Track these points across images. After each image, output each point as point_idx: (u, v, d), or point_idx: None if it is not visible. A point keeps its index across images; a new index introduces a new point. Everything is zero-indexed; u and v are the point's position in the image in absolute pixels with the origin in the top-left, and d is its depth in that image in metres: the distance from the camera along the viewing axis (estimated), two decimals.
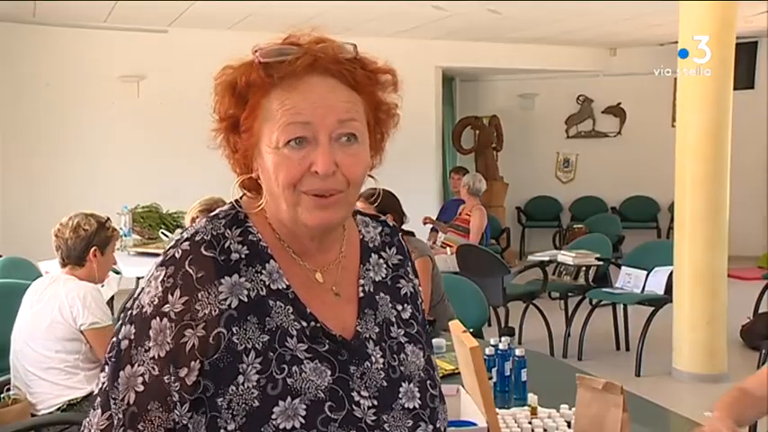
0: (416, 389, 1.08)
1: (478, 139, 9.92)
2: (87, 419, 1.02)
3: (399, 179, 7.02)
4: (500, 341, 2.39)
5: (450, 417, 1.83)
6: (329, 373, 1.01)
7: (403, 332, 1.11)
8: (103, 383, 1.01)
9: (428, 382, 1.10)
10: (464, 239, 6.44)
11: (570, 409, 2.02)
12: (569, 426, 1.98)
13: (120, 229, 5.49)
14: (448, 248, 6.32)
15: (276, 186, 1.01)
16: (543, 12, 7.35)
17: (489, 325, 5.26)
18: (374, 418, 1.02)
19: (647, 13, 7.37)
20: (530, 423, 2.01)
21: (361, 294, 1.10)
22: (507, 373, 2.33)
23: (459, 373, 2.07)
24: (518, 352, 2.33)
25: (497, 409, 1.87)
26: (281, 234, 1.06)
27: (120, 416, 0.98)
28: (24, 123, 7.39)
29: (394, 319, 1.12)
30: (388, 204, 3.49)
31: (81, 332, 2.75)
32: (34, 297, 2.86)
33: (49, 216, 7.56)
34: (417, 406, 1.06)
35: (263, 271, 1.03)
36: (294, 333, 1.01)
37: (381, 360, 1.06)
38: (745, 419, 1.90)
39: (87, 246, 2.88)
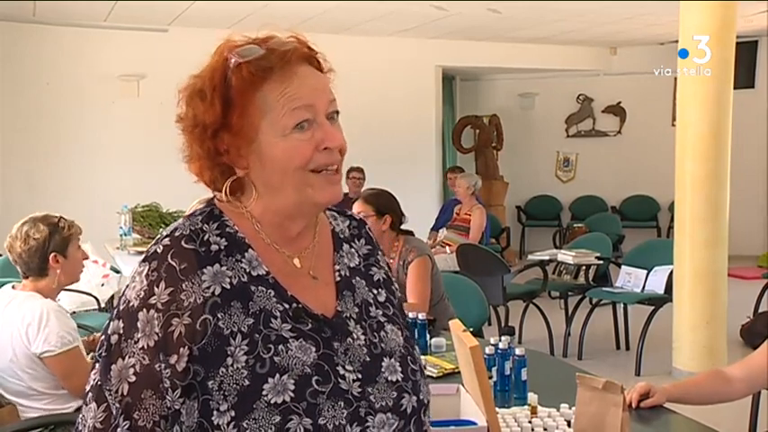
0: (398, 363, 1.13)
1: (478, 138, 9.92)
2: (81, 416, 1.05)
3: (399, 178, 7.08)
4: (500, 340, 2.39)
5: (451, 416, 1.84)
6: (314, 349, 1.06)
7: (381, 312, 1.18)
8: (95, 380, 1.04)
9: (408, 357, 1.16)
10: (464, 239, 6.45)
11: (570, 408, 2.02)
12: (569, 425, 1.99)
13: (120, 228, 5.52)
14: (448, 247, 6.32)
15: (283, 172, 1.07)
16: (543, 11, 7.35)
17: (489, 324, 5.26)
18: (359, 389, 1.07)
19: (647, 12, 7.37)
20: (530, 422, 2.01)
21: (338, 278, 1.17)
22: (507, 373, 2.33)
23: (459, 372, 2.08)
24: (518, 351, 2.33)
25: (497, 409, 1.87)
26: (262, 224, 1.11)
27: (117, 405, 1.01)
28: (24, 122, 7.39)
29: (371, 301, 1.18)
30: (386, 204, 3.49)
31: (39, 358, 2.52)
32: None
33: None
34: (400, 379, 1.12)
35: (243, 259, 1.08)
36: (278, 315, 1.06)
37: (363, 337, 1.12)
38: (689, 398, 2.17)
39: (44, 254, 2.60)
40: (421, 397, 1.13)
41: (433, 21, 7.71)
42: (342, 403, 1.04)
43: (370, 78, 8.14)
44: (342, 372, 1.07)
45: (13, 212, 7.17)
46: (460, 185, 6.81)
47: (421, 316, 2.84)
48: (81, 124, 7.57)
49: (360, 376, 1.08)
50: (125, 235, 5.49)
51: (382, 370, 1.11)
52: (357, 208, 3.47)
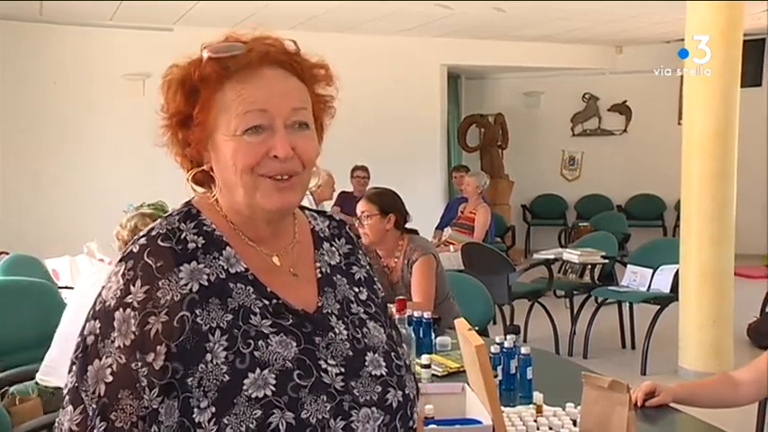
0: (381, 358, 1.12)
1: (484, 137, 9.91)
2: (58, 420, 1.03)
3: (404, 177, 7.07)
4: (505, 339, 2.39)
5: (456, 415, 1.83)
6: (295, 344, 1.05)
7: (363, 310, 1.17)
8: (72, 382, 1.02)
9: (392, 353, 1.15)
10: (468, 237, 6.45)
11: (576, 407, 2.02)
12: (575, 424, 1.98)
13: None
14: (451, 246, 6.32)
15: (234, 172, 1.06)
16: (548, 9, 7.34)
17: (494, 323, 5.25)
18: (342, 384, 1.06)
19: (653, 11, 7.35)
20: (535, 421, 2.01)
21: (319, 275, 1.16)
22: (513, 372, 2.33)
23: (464, 370, 2.07)
24: (523, 350, 2.32)
25: (503, 408, 1.86)
26: (236, 222, 1.11)
27: (94, 406, 0.99)
28: (31, 121, 7.40)
29: (353, 298, 1.17)
30: (390, 203, 3.48)
31: None
32: (90, 282, 2.83)
33: (54, 214, 7.53)
34: (384, 373, 1.10)
35: (221, 257, 1.08)
36: (257, 311, 1.06)
37: (345, 332, 1.11)
38: (695, 400, 2.15)
39: None
40: (407, 392, 1.12)
41: (437, 19, 7.71)
42: (324, 397, 1.03)
43: (374, 77, 8.13)
44: (324, 366, 1.06)
45: (18, 212, 7.26)
46: (470, 184, 6.80)
47: (426, 315, 2.84)
48: (86, 123, 7.59)
49: (343, 370, 1.07)
50: None
51: (366, 364, 1.09)
52: (361, 207, 3.47)
